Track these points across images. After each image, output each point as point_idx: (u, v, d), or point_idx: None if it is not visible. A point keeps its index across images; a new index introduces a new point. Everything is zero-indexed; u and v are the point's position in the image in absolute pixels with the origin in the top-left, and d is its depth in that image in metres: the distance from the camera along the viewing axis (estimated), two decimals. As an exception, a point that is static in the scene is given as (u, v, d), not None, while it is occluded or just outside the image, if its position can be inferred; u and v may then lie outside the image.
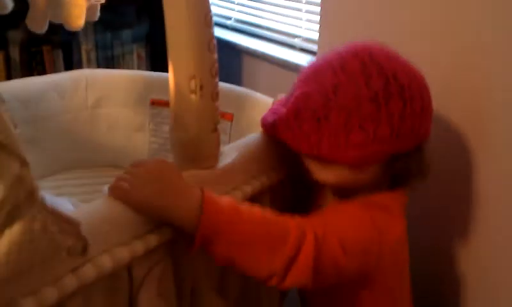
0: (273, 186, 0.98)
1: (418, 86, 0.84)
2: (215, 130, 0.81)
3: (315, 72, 0.88)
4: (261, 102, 1.21)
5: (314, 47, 1.55)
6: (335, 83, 0.83)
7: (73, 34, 1.72)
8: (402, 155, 0.85)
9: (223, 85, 1.23)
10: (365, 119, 0.80)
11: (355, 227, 0.82)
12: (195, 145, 0.80)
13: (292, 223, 0.77)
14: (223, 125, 1.26)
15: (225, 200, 0.75)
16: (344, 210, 0.87)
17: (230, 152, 0.89)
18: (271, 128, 0.90)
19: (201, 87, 0.77)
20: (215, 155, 0.83)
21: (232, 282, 0.94)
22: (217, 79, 0.79)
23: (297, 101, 0.86)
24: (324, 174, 0.87)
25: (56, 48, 1.71)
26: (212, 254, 0.74)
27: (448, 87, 1.00)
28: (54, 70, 1.68)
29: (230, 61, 1.84)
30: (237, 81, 1.30)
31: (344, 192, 0.90)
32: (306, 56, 1.60)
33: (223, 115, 1.26)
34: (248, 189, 0.90)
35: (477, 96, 0.97)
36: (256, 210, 0.77)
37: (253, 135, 0.96)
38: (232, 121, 1.26)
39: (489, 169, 0.97)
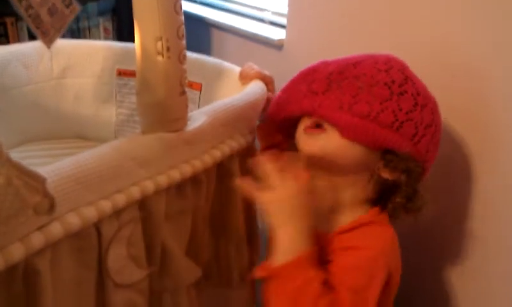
0: (242, 151, 0.99)
1: (432, 107, 0.85)
2: (183, 93, 0.81)
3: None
4: (230, 72, 1.21)
5: (283, 20, 1.55)
6: (356, 60, 0.86)
7: (38, 6, 1.68)
8: (393, 159, 0.83)
9: (191, 55, 1.24)
10: (375, 98, 0.82)
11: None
12: (163, 108, 0.79)
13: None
14: (192, 95, 1.26)
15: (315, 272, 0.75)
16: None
17: (198, 117, 0.88)
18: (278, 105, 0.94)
19: (167, 49, 0.76)
20: (183, 119, 0.83)
21: (202, 246, 0.95)
22: (184, 41, 0.79)
23: (314, 66, 0.89)
24: (311, 143, 0.86)
25: (20, 20, 1.67)
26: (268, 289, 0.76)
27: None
28: (18, 42, 1.64)
29: (199, 35, 1.83)
30: (206, 55, 1.29)
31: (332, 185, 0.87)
32: (275, 29, 1.60)
33: (192, 85, 1.25)
34: (217, 154, 0.91)
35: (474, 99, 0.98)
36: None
37: (222, 101, 0.96)
38: (200, 91, 1.26)
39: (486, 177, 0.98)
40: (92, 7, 1.80)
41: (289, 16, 1.48)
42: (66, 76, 1.35)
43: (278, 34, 1.53)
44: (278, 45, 1.51)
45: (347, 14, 1.27)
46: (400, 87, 0.83)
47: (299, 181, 0.78)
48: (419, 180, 0.86)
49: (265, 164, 0.80)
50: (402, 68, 0.86)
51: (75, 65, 1.34)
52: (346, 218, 0.87)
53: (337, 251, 0.82)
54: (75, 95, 1.36)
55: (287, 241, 0.76)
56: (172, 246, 0.84)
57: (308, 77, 0.91)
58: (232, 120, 0.94)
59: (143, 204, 0.78)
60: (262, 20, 1.69)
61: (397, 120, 0.81)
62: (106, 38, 1.82)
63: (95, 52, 1.34)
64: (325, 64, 0.91)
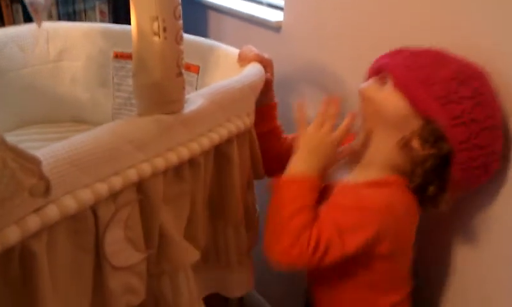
0: (240, 134, 0.98)
1: (492, 116, 0.86)
2: (180, 74, 0.80)
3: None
4: (227, 54, 1.20)
5: (281, 2, 1.54)
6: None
7: (33, -12, 1.66)
8: (427, 130, 0.86)
9: (188, 37, 1.22)
10: (438, 76, 0.86)
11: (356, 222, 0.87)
12: (159, 89, 0.78)
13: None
14: (190, 78, 1.25)
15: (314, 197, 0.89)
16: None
17: (195, 99, 0.88)
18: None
19: (164, 29, 0.75)
20: (180, 100, 0.82)
21: (200, 229, 0.95)
22: (180, 21, 0.78)
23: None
24: (369, 85, 0.94)
25: (15, 3, 1.65)
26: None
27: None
28: (14, 25, 1.63)
29: (197, 17, 1.81)
30: (204, 37, 1.28)
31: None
32: (273, 11, 1.58)
33: (189, 67, 1.24)
34: (215, 136, 0.90)
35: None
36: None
37: (220, 83, 0.95)
38: (198, 73, 1.25)
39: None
40: (88, -11, 1.78)
41: (287, -3, 1.46)
42: (62, 59, 1.34)
43: (275, 16, 1.51)
44: (275, 27, 1.49)
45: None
46: (467, 76, 0.87)
47: (335, 132, 0.91)
48: (443, 168, 0.87)
49: (322, 106, 0.94)
50: (479, 72, 0.89)
51: (72, 48, 1.33)
52: (371, 174, 0.93)
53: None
54: (71, 78, 1.35)
55: (299, 166, 0.90)
56: (170, 229, 0.84)
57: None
58: (230, 102, 0.93)
59: (140, 187, 0.78)
60: (260, 2, 1.68)
61: (446, 96, 0.84)
62: (102, 21, 1.80)
63: (91, 34, 1.32)
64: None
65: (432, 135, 0.86)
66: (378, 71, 0.95)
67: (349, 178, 0.96)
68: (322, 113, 0.94)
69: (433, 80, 0.86)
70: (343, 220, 0.86)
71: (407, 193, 0.90)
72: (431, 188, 0.89)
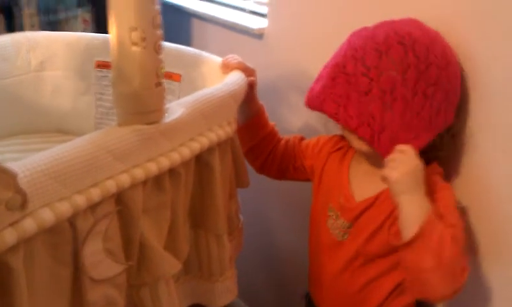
0: (221, 143, 0.98)
1: (448, 77, 0.92)
2: (159, 84, 0.80)
3: (363, 51, 0.94)
4: (210, 62, 1.19)
5: (264, 10, 1.54)
6: (378, 72, 0.91)
7: (15, -2, 1.65)
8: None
9: (169, 45, 1.22)
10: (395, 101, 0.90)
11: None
12: (139, 99, 0.78)
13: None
14: (171, 86, 1.24)
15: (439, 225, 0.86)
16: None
17: (176, 109, 0.87)
18: (318, 98, 0.98)
19: (143, 39, 0.75)
20: (160, 110, 0.82)
21: (182, 239, 0.94)
22: (160, 31, 0.78)
23: (346, 78, 0.94)
24: (358, 142, 0.97)
25: (-4, 13, 1.64)
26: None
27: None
28: (-5, 35, 1.61)
29: (179, 25, 1.81)
30: (186, 45, 1.28)
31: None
32: (256, 18, 1.58)
33: (171, 76, 1.24)
34: (196, 146, 0.90)
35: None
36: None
37: (201, 91, 0.95)
38: (180, 81, 1.24)
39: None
40: (71, -2, 1.77)
41: (270, 5, 1.47)
42: (44, 69, 1.33)
43: (258, 24, 1.52)
44: (258, 34, 1.50)
45: (329, 3, 1.26)
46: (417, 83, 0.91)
47: (408, 153, 0.89)
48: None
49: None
50: (417, 53, 0.92)
51: (53, 57, 1.32)
52: None
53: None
54: (53, 88, 1.34)
55: (417, 208, 0.86)
56: (150, 240, 0.83)
57: (331, 78, 0.97)
58: (211, 111, 0.93)
59: (119, 198, 0.77)
60: (242, 9, 1.68)
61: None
62: (85, 30, 1.79)
63: (73, 44, 1.32)
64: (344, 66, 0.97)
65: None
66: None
67: None
68: (397, 151, 0.90)
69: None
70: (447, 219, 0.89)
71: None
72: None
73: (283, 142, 1.20)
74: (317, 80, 1.01)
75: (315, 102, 0.99)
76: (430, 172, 0.96)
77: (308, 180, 1.18)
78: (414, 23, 0.96)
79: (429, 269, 0.83)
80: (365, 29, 0.98)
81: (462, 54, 0.96)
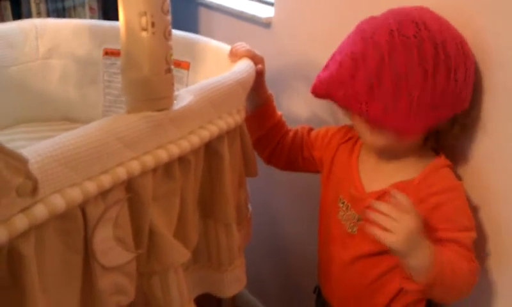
0: (230, 131, 0.97)
1: (463, 54, 0.89)
2: (169, 70, 0.79)
3: (372, 30, 0.91)
4: (218, 50, 1.19)
5: (272, -2, 1.53)
6: (389, 48, 0.87)
7: (21, -15, 1.65)
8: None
9: (178, 33, 1.21)
10: (413, 87, 0.86)
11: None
12: (148, 85, 0.77)
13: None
14: (180, 74, 1.24)
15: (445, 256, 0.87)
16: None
17: (185, 96, 0.87)
18: (324, 85, 0.96)
19: (152, 24, 0.74)
20: (169, 97, 0.81)
21: (191, 228, 0.94)
22: (169, 17, 0.77)
23: (353, 60, 0.90)
24: (371, 137, 0.96)
25: (3, 0, 1.63)
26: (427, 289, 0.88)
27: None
28: (2, 22, 1.61)
29: (186, 14, 1.80)
30: (194, 34, 1.27)
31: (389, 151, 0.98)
32: (263, 7, 1.57)
33: (180, 64, 1.23)
34: (205, 134, 0.89)
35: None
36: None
37: (209, 79, 0.94)
38: (188, 69, 1.24)
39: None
40: (77, -14, 1.76)
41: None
42: (52, 56, 1.32)
43: (265, 12, 1.51)
44: (265, 23, 1.48)
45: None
46: (433, 63, 0.87)
47: (409, 212, 0.84)
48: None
49: (379, 205, 0.86)
50: (429, 30, 0.90)
51: (61, 45, 1.31)
52: (415, 167, 0.97)
53: (429, 198, 0.93)
54: (61, 76, 1.33)
55: (421, 263, 0.84)
56: (160, 228, 0.83)
57: (349, 69, 0.93)
58: (220, 99, 0.92)
59: (129, 185, 0.77)
60: (250, -2, 1.67)
61: (435, 99, 0.88)
62: (92, 17, 1.79)
63: (81, 31, 1.31)
64: (361, 54, 0.93)
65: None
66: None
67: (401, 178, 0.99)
68: (387, 209, 0.86)
69: (420, 91, 0.87)
70: (460, 222, 0.92)
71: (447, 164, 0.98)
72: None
73: (291, 133, 1.19)
74: (323, 69, 1.00)
75: (320, 89, 0.98)
76: (439, 165, 0.96)
77: (317, 171, 1.18)
78: (424, 10, 0.94)
79: (451, 300, 0.94)
80: (374, 17, 0.96)
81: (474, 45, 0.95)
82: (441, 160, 0.97)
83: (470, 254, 0.91)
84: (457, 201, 0.93)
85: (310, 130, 1.20)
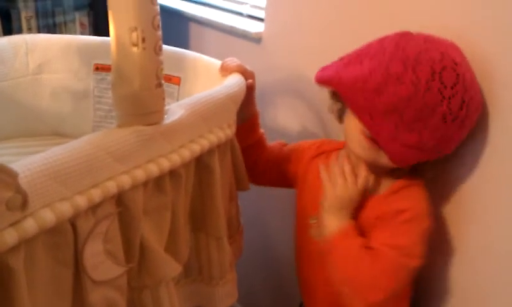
0: (221, 145, 0.97)
1: (479, 113, 0.91)
2: (159, 85, 0.80)
3: (415, 61, 0.87)
4: (209, 65, 1.19)
5: (261, 14, 1.54)
6: (426, 88, 0.85)
7: (12, 1, 1.65)
8: None
9: (169, 48, 1.22)
10: (426, 128, 0.86)
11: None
12: (138, 100, 0.78)
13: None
14: (171, 89, 1.25)
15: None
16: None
17: (176, 110, 0.87)
18: (340, 78, 0.93)
19: (143, 40, 0.75)
20: (160, 111, 0.82)
21: (182, 242, 0.94)
22: (160, 32, 0.77)
23: (385, 78, 0.87)
24: (369, 153, 0.94)
25: (-6, 16, 1.64)
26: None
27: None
28: (-8, 39, 1.61)
29: (177, 29, 1.81)
30: (185, 49, 1.28)
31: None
32: (253, 23, 1.59)
33: (170, 79, 1.24)
34: (196, 148, 0.90)
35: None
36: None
37: (200, 94, 0.95)
38: (179, 85, 1.24)
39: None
40: (68, 1, 1.77)
41: (267, 9, 1.47)
42: (42, 72, 1.32)
43: (256, 28, 1.52)
44: (256, 38, 1.50)
45: (326, 7, 1.26)
46: (450, 113, 0.87)
47: (356, 185, 0.97)
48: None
49: (335, 165, 1.00)
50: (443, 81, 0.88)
51: (52, 60, 1.32)
52: (386, 181, 0.99)
53: (386, 214, 0.95)
54: (51, 91, 1.33)
55: (333, 225, 0.95)
56: (151, 242, 0.83)
57: (365, 80, 0.91)
58: (211, 113, 0.93)
59: (120, 199, 0.77)
60: (240, 14, 1.68)
61: (439, 144, 0.89)
62: (83, 33, 1.79)
63: (71, 46, 1.31)
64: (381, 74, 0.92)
65: None
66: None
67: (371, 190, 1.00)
68: (343, 172, 0.98)
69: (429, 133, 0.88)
70: (403, 242, 0.92)
71: (423, 183, 0.98)
72: (428, 164, 0.95)
73: (268, 150, 1.19)
74: (341, 60, 0.98)
75: (333, 80, 0.95)
76: (411, 182, 0.97)
77: (291, 186, 1.17)
78: (459, 52, 0.92)
79: (338, 282, 0.94)
80: (416, 38, 0.91)
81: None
82: (413, 177, 0.97)
83: (388, 267, 0.90)
84: (413, 227, 0.93)
85: (284, 145, 1.20)
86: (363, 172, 0.97)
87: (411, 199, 0.95)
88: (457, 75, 0.85)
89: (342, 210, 0.96)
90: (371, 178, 0.99)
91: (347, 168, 0.98)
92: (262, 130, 1.19)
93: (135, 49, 0.75)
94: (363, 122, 0.90)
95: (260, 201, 1.61)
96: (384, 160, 0.92)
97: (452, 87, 0.85)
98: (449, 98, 0.85)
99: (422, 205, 0.95)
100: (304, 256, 1.11)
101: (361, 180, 0.97)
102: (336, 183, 0.98)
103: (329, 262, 0.95)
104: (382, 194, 0.98)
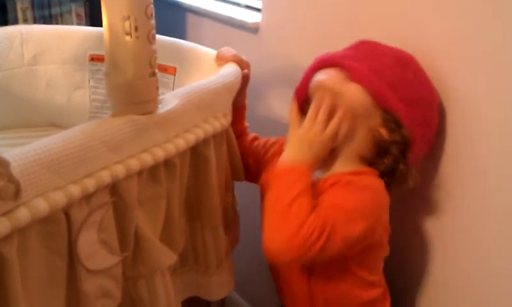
0: (217, 135, 0.97)
1: (430, 91, 0.96)
2: (153, 74, 0.79)
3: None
4: (204, 55, 1.19)
5: (258, 4, 1.54)
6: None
7: (8, -8, 1.65)
8: (390, 120, 0.91)
9: (164, 38, 1.22)
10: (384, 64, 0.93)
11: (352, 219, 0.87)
12: (132, 89, 0.78)
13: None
14: (166, 79, 1.24)
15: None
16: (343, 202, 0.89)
17: (170, 100, 0.87)
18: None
19: (136, 29, 0.74)
20: (154, 101, 0.82)
21: (177, 231, 0.94)
22: (153, 21, 0.77)
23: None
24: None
25: (-11, 7, 1.63)
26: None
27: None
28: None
29: (174, 20, 1.81)
30: (182, 39, 1.27)
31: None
32: (250, 13, 1.58)
33: (166, 69, 1.23)
34: (191, 137, 0.90)
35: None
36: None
37: (195, 83, 0.94)
38: (175, 75, 1.24)
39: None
40: (64, -8, 1.76)
41: (264, -1, 1.46)
42: (37, 62, 1.32)
43: (253, 18, 1.51)
44: (253, 29, 1.49)
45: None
46: (405, 61, 0.95)
47: (324, 126, 0.90)
48: (406, 149, 0.92)
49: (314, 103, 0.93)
50: (412, 57, 0.97)
51: (47, 51, 1.31)
52: (340, 168, 0.94)
53: (339, 182, 0.91)
54: (47, 82, 1.33)
55: (294, 156, 0.89)
56: (146, 231, 0.83)
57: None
58: (206, 103, 0.93)
59: (114, 188, 0.77)
60: (237, 4, 1.67)
61: (395, 82, 0.91)
62: (79, 24, 1.78)
63: (66, 37, 1.31)
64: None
65: (393, 122, 0.91)
66: (327, 66, 0.97)
67: (325, 174, 0.95)
68: (314, 110, 0.91)
69: (382, 69, 0.92)
70: (344, 207, 0.87)
71: (380, 179, 0.94)
72: (401, 169, 0.93)
73: (243, 144, 1.16)
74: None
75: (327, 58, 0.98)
76: (369, 171, 0.94)
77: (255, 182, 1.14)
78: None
79: (267, 210, 0.87)
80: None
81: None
82: (365, 168, 0.95)
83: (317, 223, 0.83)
84: (364, 194, 0.90)
85: (255, 139, 1.18)
86: (339, 113, 0.91)
87: (368, 177, 0.93)
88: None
89: (304, 148, 0.90)
90: (344, 126, 0.92)
91: (323, 106, 0.91)
92: (246, 124, 1.18)
93: (128, 38, 0.75)
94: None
95: (256, 191, 1.61)
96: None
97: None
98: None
99: (378, 183, 0.93)
100: None
101: (333, 123, 0.90)
102: (304, 125, 0.92)
103: (269, 189, 0.89)
104: (340, 172, 0.94)
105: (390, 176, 0.94)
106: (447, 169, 1.01)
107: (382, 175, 0.93)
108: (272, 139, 1.14)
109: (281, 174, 0.89)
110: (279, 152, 0.97)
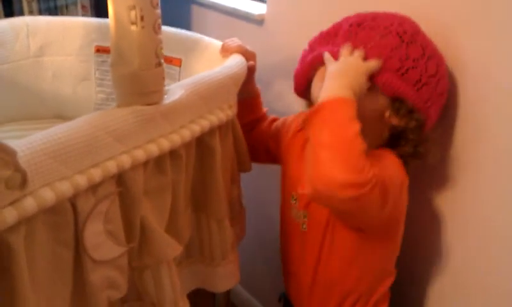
0: (222, 126, 0.97)
1: (437, 60, 0.91)
2: (159, 64, 0.79)
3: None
4: (210, 46, 1.19)
5: (264, -5, 1.53)
6: (376, 14, 0.93)
7: (13, -16, 1.64)
8: (400, 107, 0.89)
9: (170, 30, 1.21)
10: (385, 47, 0.88)
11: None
12: (138, 79, 0.77)
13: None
14: (172, 71, 1.24)
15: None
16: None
17: (176, 90, 0.87)
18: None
19: (141, 18, 0.74)
20: (160, 91, 0.81)
21: (182, 223, 0.94)
22: (158, 10, 0.77)
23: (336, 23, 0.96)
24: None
25: (-6, -1, 1.63)
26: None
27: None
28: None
29: (179, 12, 1.80)
30: (187, 31, 1.27)
31: None
32: (256, 4, 1.57)
33: (172, 60, 1.23)
34: (196, 128, 0.89)
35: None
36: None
37: (200, 74, 0.94)
38: (180, 66, 1.24)
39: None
40: (69, -16, 1.76)
41: (270, -10, 1.45)
42: (43, 54, 1.32)
43: (258, 9, 1.51)
44: (258, 20, 1.48)
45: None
46: (410, 37, 0.89)
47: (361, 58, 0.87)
48: (422, 130, 0.92)
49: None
50: (415, 24, 0.93)
51: (53, 43, 1.31)
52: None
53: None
54: (53, 74, 1.33)
55: (336, 88, 0.83)
56: (151, 222, 0.83)
57: (332, 32, 0.97)
58: (211, 94, 0.93)
59: (120, 179, 0.77)
60: (243, -4, 1.67)
61: (402, 66, 0.87)
62: (84, 15, 1.78)
63: (72, 28, 1.31)
64: (347, 18, 0.96)
65: (405, 109, 0.89)
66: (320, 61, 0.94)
67: None
68: (350, 45, 0.89)
69: (385, 56, 0.87)
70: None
71: (398, 158, 0.93)
72: (421, 151, 0.93)
73: (261, 127, 1.16)
74: None
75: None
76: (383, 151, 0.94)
77: (276, 162, 1.14)
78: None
79: (325, 145, 0.78)
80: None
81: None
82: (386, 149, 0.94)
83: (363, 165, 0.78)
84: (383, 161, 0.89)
85: (274, 120, 1.18)
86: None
87: (386, 156, 0.92)
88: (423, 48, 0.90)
89: (344, 78, 0.84)
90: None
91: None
92: (264, 109, 1.18)
93: (134, 27, 0.74)
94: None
95: (263, 184, 1.61)
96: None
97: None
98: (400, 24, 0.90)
99: (397, 161, 0.92)
100: (287, 238, 1.08)
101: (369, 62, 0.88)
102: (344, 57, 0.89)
103: (314, 124, 0.82)
104: None
105: (411, 157, 0.94)
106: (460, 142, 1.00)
107: (401, 157, 0.93)
108: (291, 116, 1.13)
109: (339, 104, 0.81)
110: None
